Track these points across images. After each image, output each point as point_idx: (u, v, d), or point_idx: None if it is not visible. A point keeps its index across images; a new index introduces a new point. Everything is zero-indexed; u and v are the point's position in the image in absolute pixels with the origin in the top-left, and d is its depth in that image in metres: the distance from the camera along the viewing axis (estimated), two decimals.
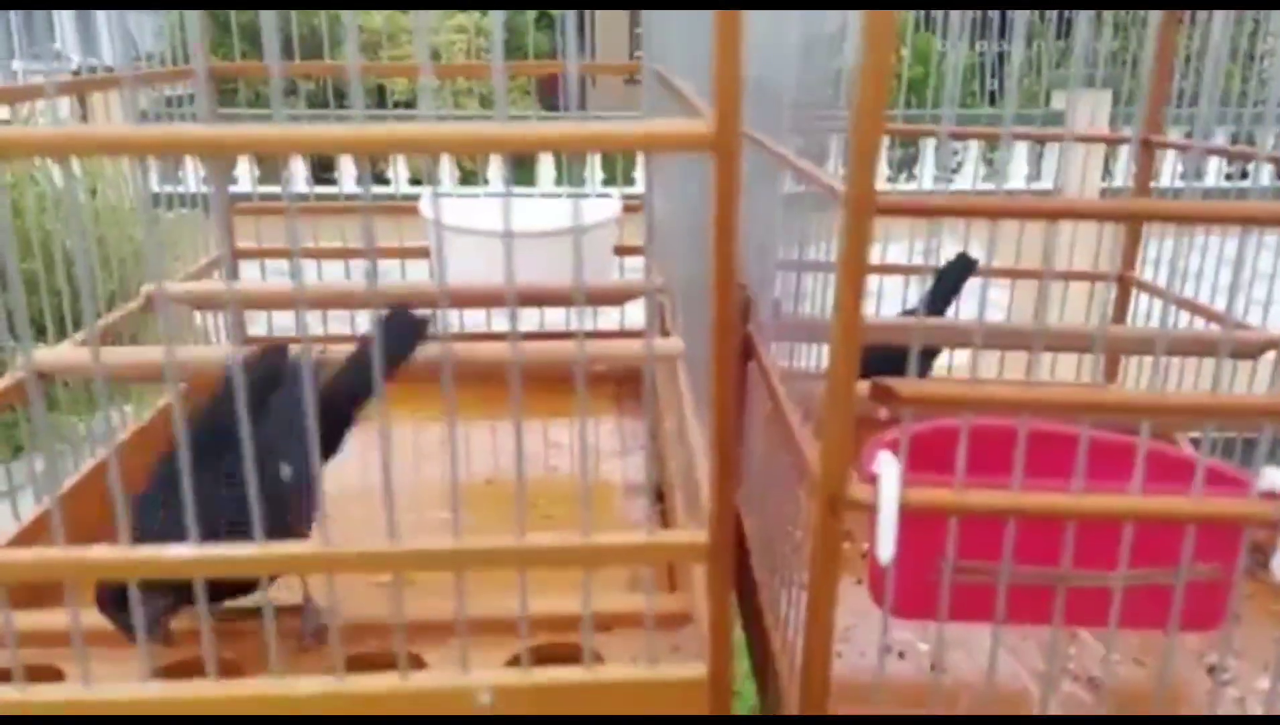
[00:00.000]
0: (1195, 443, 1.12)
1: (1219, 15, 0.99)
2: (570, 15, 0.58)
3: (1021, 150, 5.56)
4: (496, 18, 0.50)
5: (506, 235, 0.52)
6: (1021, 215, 0.56)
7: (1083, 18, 0.71)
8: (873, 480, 0.58)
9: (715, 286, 0.52)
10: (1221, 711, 0.75)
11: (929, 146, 5.99)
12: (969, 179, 5.72)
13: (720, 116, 0.48)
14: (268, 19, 0.48)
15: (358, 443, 1.20)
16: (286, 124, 0.47)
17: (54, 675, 0.69)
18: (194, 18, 1.29)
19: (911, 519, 0.57)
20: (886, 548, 0.56)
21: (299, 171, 4.81)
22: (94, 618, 0.64)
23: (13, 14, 1.01)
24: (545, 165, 5.42)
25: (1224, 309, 1.06)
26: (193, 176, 1.48)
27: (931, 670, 0.76)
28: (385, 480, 0.54)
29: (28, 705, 0.57)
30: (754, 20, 1.01)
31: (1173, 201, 0.84)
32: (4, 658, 0.57)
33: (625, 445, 1.24)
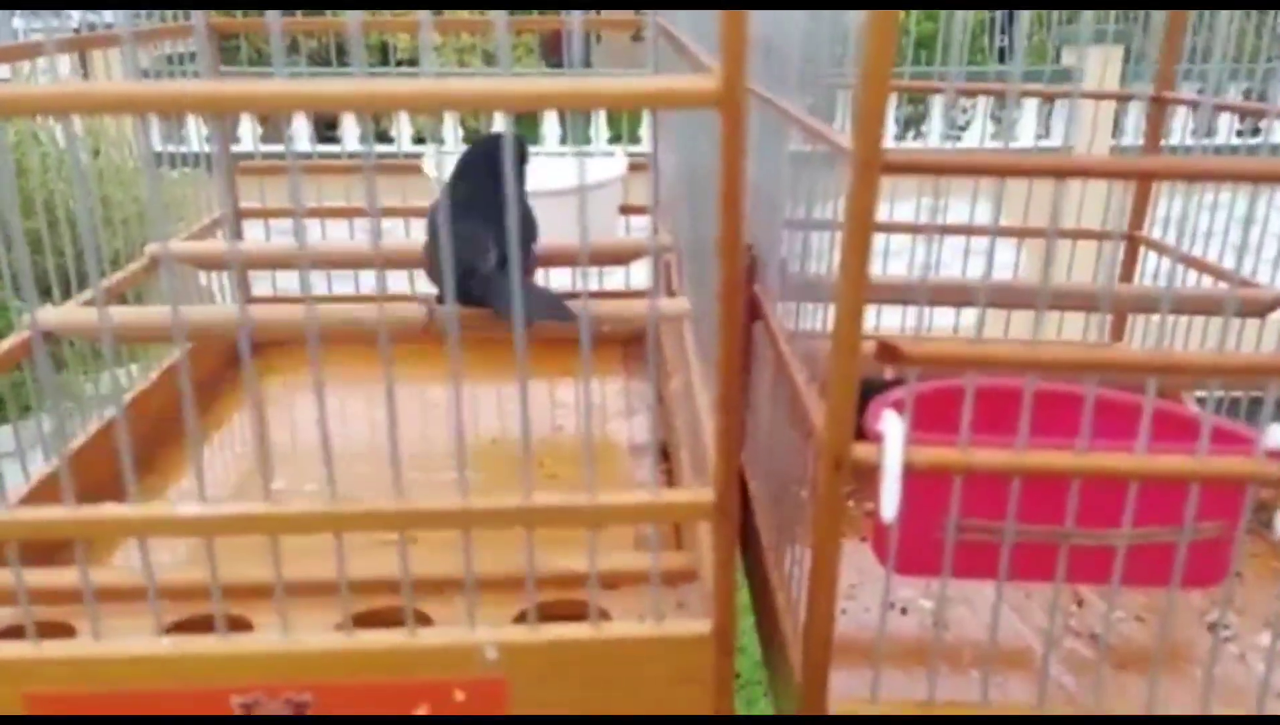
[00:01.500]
0: (1201, 402, 1.12)
1: None
2: None
3: (1031, 108, 5.50)
4: None
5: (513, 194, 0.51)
6: (1030, 173, 0.56)
7: None
8: (878, 439, 0.58)
9: (722, 245, 0.51)
10: (1221, 668, 0.75)
11: (937, 104, 5.95)
12: (977, 137, 5.68)
13: (727, 72, 0.47)
14: None
15: (363, 401, 1.21)
16: (288, 80, 0.47)
17: (65, 632, 0.69)
18: None
19: (915, 478, 0.57)
20: (890, 506, 0.56)
21: (302, 131, 4.79)
22: (104, 575, 0.65)
23: None
24: (550, 125, 5.38)
25: (1233, 268, 1.06)
26: (195, 136, 1.47)
27: (934, 627, 0.77)
28: (391, 438, 0.54)
29: (40, 659, 0.58)
30: None
31: (1182, 159, 0.84)
32: (17, 614, 0.58)
33: (631, 405, 1.24)
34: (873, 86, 0.51)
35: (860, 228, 0.54)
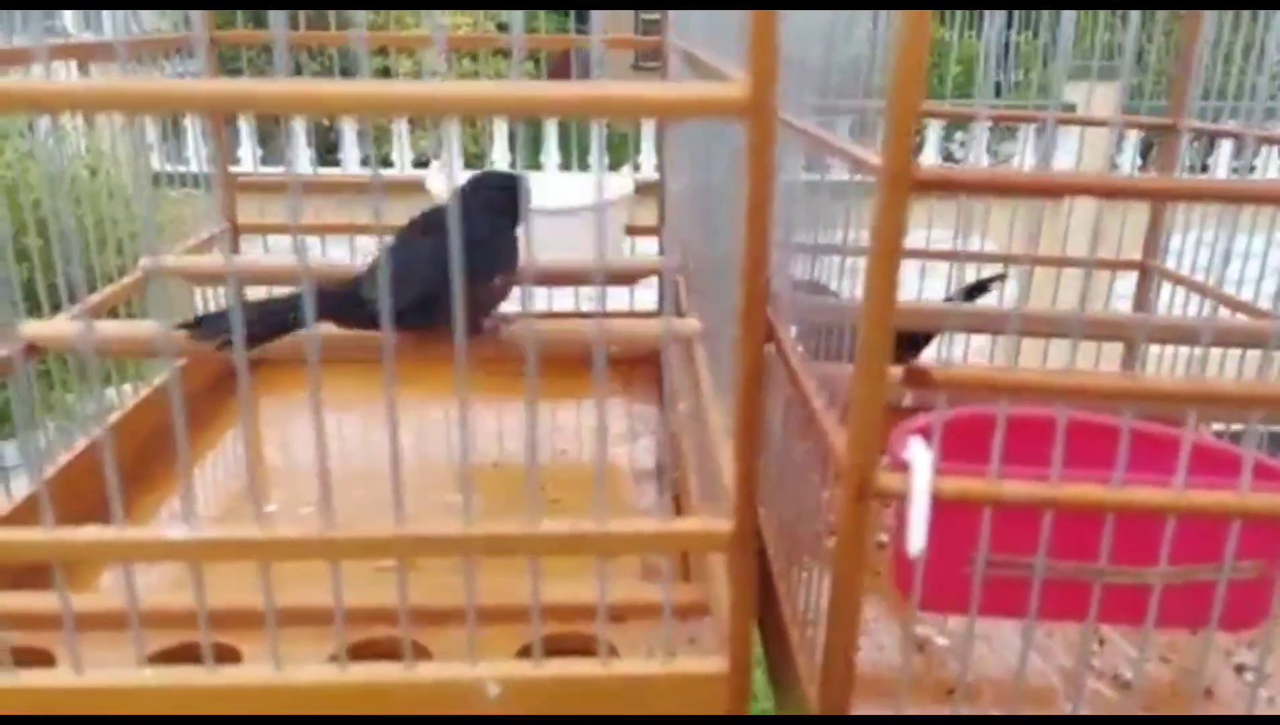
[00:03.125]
0: (1219, 435, 1.09)
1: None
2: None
3: (1029, 141, 5.52)
4: None
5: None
6: (1062, 191, 0.53)
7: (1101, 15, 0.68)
8: (902, 468, 0.55)
9: (746, 263, 0.49)
10: (1256, 713, 0.72)
11: (932, 136, 5.98)
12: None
13: (756, 80, 0.45)
14: None
15: (358, 423, 1.18)
16: (289, 81, 0.44)
17: (45, 659, 0.66)
18: None
19: (941, 509, 0.54)
20: (918, 538, 0.53)
21: (302, 152, 4.78)
22: (86, 601, 0.62)
23: None
24: (552, 149, 5.39)
25: (1252, 299, 1.04)
26: (195, 156, 1.45)
27: (952, 666, 0.74)
28: (393, 461, 0.51)
29: (18, 690, 0.54)
30: None
31: (1216, 181, 0.81)
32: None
33: (634, 429, 1.21)
34: (903, 98, 0.49)
35: (888, 248, 0.51)
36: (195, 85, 0.47)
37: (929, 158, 5.94)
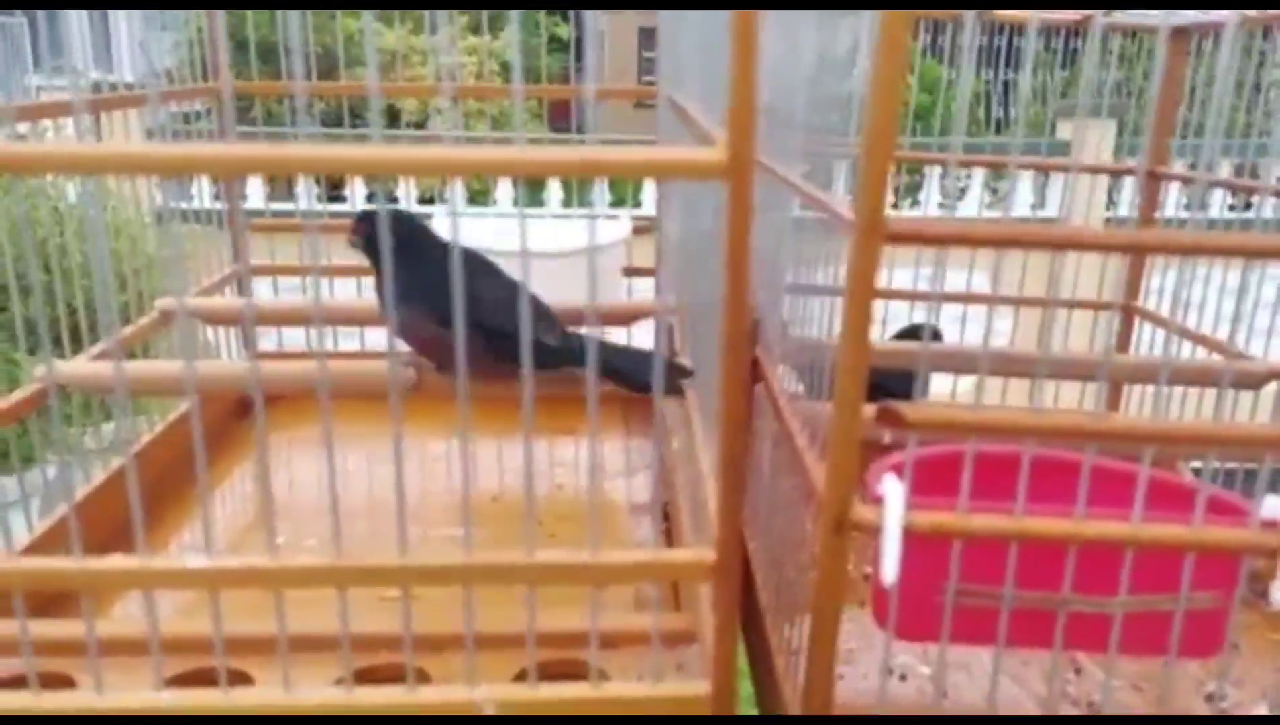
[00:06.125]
0: (1197, 472, 1.12)
1: (1224, 46, 1.00)
2: (590, 40, 0.59)
3: (1027, 179, 5.59)
4: (514, 40, 0.51)
5: (520, 254, 0.53)
6: (1028, 244, 0.57)
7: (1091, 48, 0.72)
8: (878, 502, 0.59)
9: (726, 312, 0.53)
10: None
11: (934, 174, 6.05)
12: (974, 206, 5.77)
13: (734, 143, 0.49)
14: (294, 31, 0.50)
15: (362, 458, 1.22)
16: (310, 143, 0.48)
17: (66, 683, 0.69)
18: (220, 34, 1.31)
19: (915, 542, 0.58)
20: (891, 569, 0.56)
21: (310, 189, 4.84)
22: (107, 627, 0.65)
23: (30, 28, 1.02)
24: (554, 186, 5.45)
25: (1227, 339, 1.07)
26: (203, 192, 1.50)
27: (933, 694, 0.76)
28: (399, 494, 0.55)
29: (40, 710, 0.57)
30: (768, 43, 1.03)
31: (1176, 233, 0.85)
32: (18, 664, 0.58)
33: (631, 464, 1.24)
34: (875, 154, 0.53)
35: (862, 293, 0.55)
36: (214, 151, 0.51)
37: (930, 195, 6.01)
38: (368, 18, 0.51)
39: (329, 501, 0.56)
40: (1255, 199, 1.23)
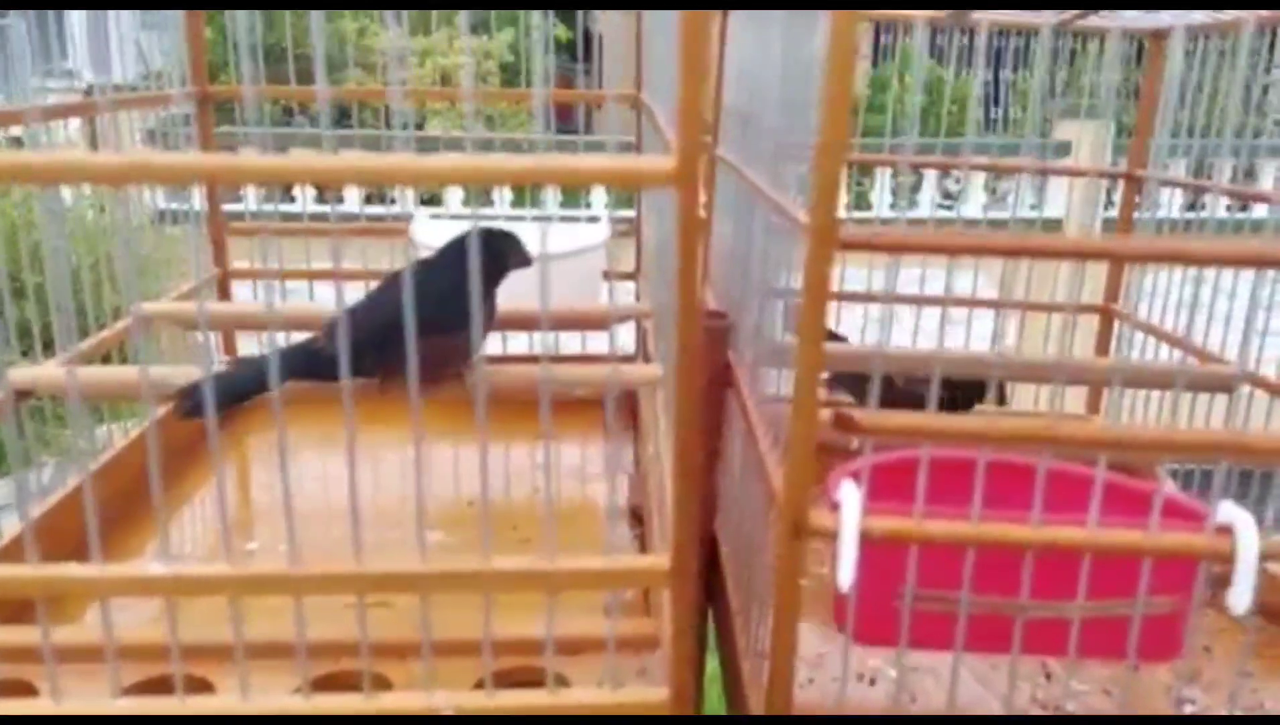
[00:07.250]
0: (1174, 475, 1.13)
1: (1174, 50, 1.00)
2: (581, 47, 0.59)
3: (1026, 180, 5.57)
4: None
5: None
6: (980, 252, 0.57)
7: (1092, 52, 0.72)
8: (836, 508, 0.59)
9: (680, 315, 0.53)
10: None
11: (931, 175, 6.05)
12: (975, 207, 5.78)
13: (682, 152, 0.49)
14: (242, 32, 0.50)
15: (340, 464, 1.22)
16: (284, 156, 0.49)
17: (28, 691, 0.69)
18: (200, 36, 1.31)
19: (873, 547, 0.58)
20: (846, 574, 0.57)
21: (297, 192, 4.84)
22: (65, 634, 0.65)
23: (26, 30, 1.02)
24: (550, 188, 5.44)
25: (1201, 342, 1.07)
26: (198, 193, 1.50)
27: (899, 698, 0.76)
28: (352, 500, 0.55)
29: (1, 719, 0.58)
30: (743, 45, 1.03)
31: (1136, 241, 0.85)
32: None
33: (613, 468, 1.24)
34: (827, 165, 0.53)
35: (817, 297, 0.55)
36: (200, 160, 0.51)
37: (926, 197, 6.01)
38: (316, 17, 0.51)
39: (318, 506, 0.56)
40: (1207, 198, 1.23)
